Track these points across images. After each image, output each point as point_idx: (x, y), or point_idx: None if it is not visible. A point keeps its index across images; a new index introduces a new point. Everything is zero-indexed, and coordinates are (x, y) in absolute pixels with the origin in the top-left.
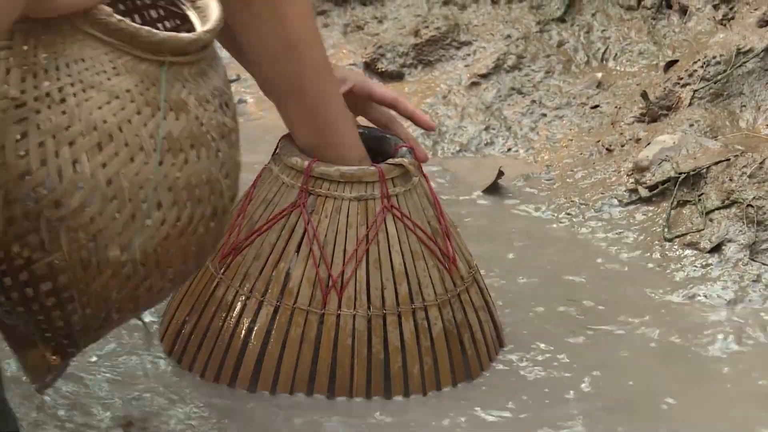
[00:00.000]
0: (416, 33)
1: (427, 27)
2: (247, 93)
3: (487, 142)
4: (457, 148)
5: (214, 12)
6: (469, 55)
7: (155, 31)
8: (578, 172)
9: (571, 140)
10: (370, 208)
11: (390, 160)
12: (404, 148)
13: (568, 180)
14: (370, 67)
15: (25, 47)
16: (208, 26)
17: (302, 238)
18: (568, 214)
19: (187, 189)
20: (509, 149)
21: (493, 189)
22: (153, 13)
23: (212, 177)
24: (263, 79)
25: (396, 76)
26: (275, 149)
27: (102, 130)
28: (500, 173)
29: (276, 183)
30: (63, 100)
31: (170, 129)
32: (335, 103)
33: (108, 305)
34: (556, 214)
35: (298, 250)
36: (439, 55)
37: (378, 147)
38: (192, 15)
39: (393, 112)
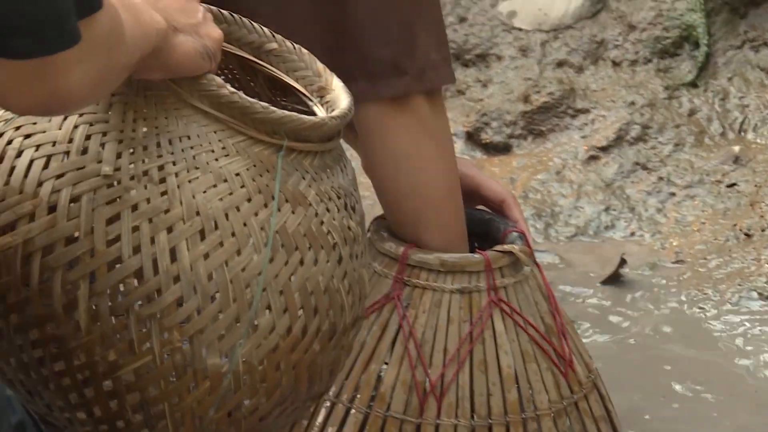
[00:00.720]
0: (526, 99)
1: (538, 92)
2: None
3: (607, 225)
4: (573, 232)
5: (344, 101)
6: (586, 124)
7: (272, 108)
8: (712, 260)
9: (704, 223)
10: (474, 302)
11: (498, 247)
12: (514, 233)
13: (700, 269)
14: (472, 137)
15: (124, 121)
16: (335, 113)
17: (396, 336)
18: (701, 308)
19: (302, 295)
20: (632, 233)
21: (615, 279)
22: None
23: (332, 287)
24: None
25: (502, 149)
26: (366, 232)
27: (206, 215)
28: (622, 261)
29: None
30: (163, 180)
31: (285, 222)
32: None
33: (203, 427)
34: (686, 308)
35: (391, 350)
36: (552, 124)
37: (484, 231)
38: (319, 111)
39: (504, 191)
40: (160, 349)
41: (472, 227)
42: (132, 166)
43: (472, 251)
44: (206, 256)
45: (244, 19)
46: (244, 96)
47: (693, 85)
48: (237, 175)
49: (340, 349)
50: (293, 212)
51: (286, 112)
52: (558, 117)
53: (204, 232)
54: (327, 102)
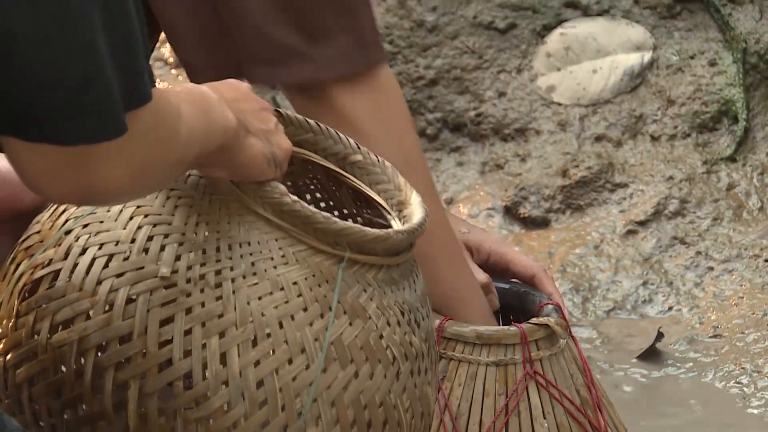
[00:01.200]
0: (564, 173)
1: (576, 166)
2: None
3: (644, 299)
4: (611, 306)
5: (417, 216)
6: (624, 199)
7: (335, 218)
8: (750, 335)
9: (742, 298)
10: (510, 375)
11: (533, 320)
12: (550, 306)
13: (738, 344)
14: (511, 211)
15: (186, 223)
16: (402, 228)
17: None
18: (738, 383)
19: (355, 408)
20: (670, 308)
21: (651, 354)
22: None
23: (388, 402)
24: None
25: (541, 223)
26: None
27: (259, 323)
28: (659, 336)
29: None
30: (219, 285)
31: (341, 334)
32: (466, 284)
33: None
34: (724, 384)
35: None
36: (591, 198)
37: (519, 304)
38: (396, 224)
39: (534, 265)
40: None
41: (507, 300)
42: (190, 269)
43: (507, 324)
44: (257, 363)
45: (330, 129)
46: (306, 205)
47: (731, 159)
48: (295, 284)
49: None
50: (351, 324)
51: (349, 224)
52: (596, 191)
53: (257, 339)
54: (404, 216)
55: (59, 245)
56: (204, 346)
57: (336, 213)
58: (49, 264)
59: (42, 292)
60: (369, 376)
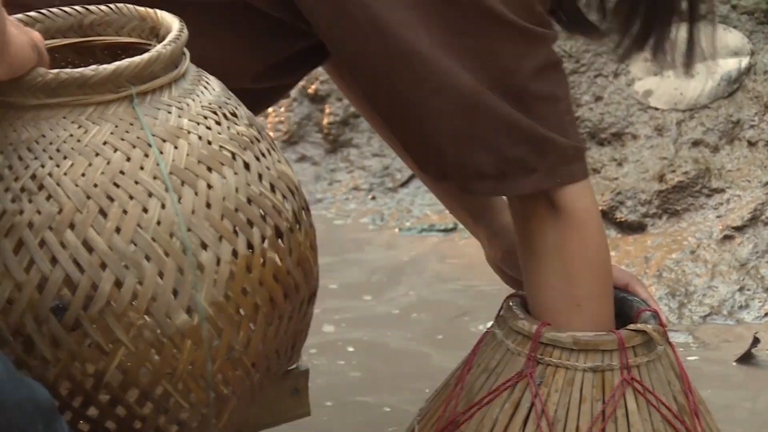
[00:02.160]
0: (661, 178)
1: (673, 171)
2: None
3: (741, 304)
4: (707, 311)
5: (174, 27)
6: (721, 204)
7: (103, 66)
8: None
9: None
10: (607, 381)
11: (631, 326)
12: (647, 313)
13: None
14: (607, 216)
15: None
16: (165, 41)
17: (528, 414)
18: None
19: (228, 215)
20: (766, 314)
21: (747, 359)
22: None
23: (253, 193)
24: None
25: (637, 228)
26: (499, 310)
27: (96, 195)
28: (755, 341)
29: (499, 349)
30: (41, 187)
31: (173, 161)
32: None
33: (212, 383)
34: None
35: (523, 428)
36: (687, 203)
37: (617, 310)
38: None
39: (627, 274)
40: (126, 336)
41: None
42: (8, 190)
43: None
44: (117, 230)
45: (52, 9)
46: (70, 70)
47: None
48: (105, 143)
49: (299, 246)
50: (176, 147)
51: (117, 63)
52: (693, 196)
53: (103, 209)
54: (164, 36)
55: None
56: (63, 245)
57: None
58: None
59: None
60: (222, 181)
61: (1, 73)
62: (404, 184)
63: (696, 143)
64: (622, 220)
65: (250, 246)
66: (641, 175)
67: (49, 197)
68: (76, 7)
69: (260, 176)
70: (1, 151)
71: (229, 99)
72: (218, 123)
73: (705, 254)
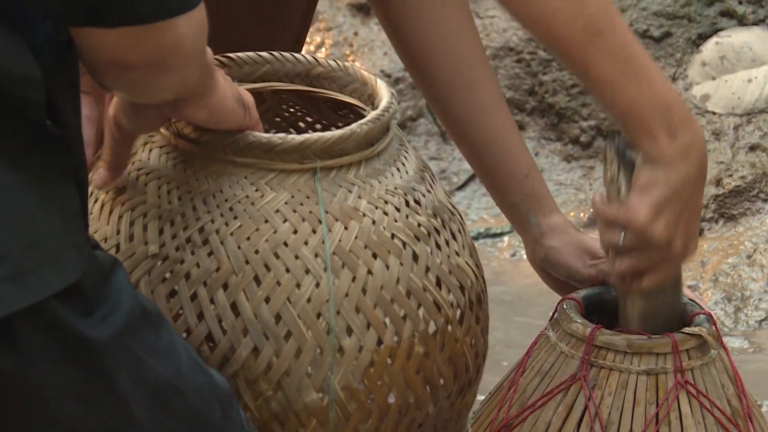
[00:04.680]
0: (718, 182)
1: (730, 176)
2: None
3: None
4: (763, 316)
5: (383, 102)
6: None
7: (292, 135)
8: None
9: None
10: (660, 384)
11: (685, 329)
12: (701, 316)
13: None
14: None
15: (159, 196)
16: (364, 119)
17: (582, 417)
18: None
19: (381, 304)
20: None
21: None
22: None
23: (414, 286)
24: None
25: None
26: (553, 313)
27: (255, 261)
28: None
29: (553, 352)
30: (206, 242)
31: (339, 241)
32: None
33: None
34: None
35: (577, 430)
36: (744, 208)
37: None
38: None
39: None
40: (254, 403)
41: None
42: (175, 237)
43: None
44: (267, 300)
45: (284, 53)
46: (258, 134)
47: None
48: (277, 211)
49: (455, 342)
50: (346, 228)
51: (307, 135)
52: (750, 201)
53: (258, 277)
54: (377, 107)
55: None
56: (212, 302)
57: (329, 129)
58: None
59: None
60: (384, 270)
61: (202, 116)
62: (461, 187)
63: (753, 148)
64: None
65: (398, 337)
66: None
67: (210, 253)
68: (307, 56)
69: (427, 269)
70: (179, 195)
71: (417, 185)
72: (397, 209)
73: (761, 259)
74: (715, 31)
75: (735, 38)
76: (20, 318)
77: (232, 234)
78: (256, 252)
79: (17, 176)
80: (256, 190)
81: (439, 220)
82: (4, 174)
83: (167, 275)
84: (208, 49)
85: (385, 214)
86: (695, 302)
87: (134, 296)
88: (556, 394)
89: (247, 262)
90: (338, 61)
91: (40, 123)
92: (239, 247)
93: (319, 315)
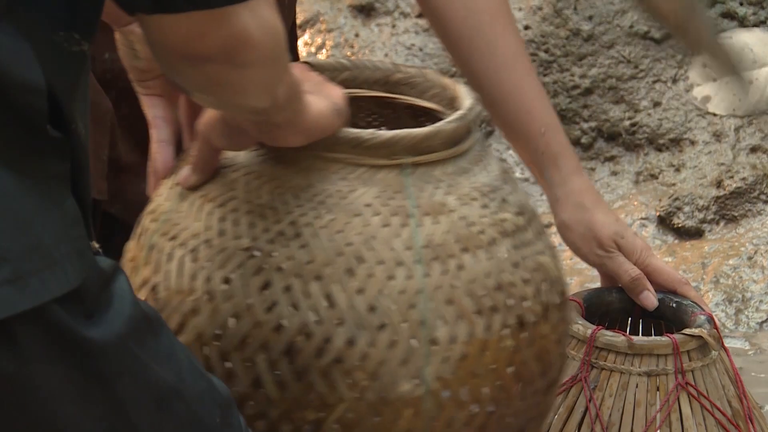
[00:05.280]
0: (719, 184)
1: (731, 177)
2: None
3: None
4: (764, 318)
5: (467, 102)
6: None
7: (381, 131)
8: None
9: None
10: (661, 385)
11: (686, 331)
12: (702, 317)
13: None
14: (664, 221)
15: (248, 191)
16: (450, 117)
17: (583, 418)
18: None
19: (472, 298)
20: None
21: None
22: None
23: (504, 280)
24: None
25: (694, 233)
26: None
27: (348, 253)
28: None
29: None
30: (298, 235)
31: (431, 234)
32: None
33: None
34: None
35: None
36: (745, 209)
37: (671, 314)
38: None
39: (680, 277)
40: (350, 393)
41: (659, 310)
42: (267, 231)
43: (660, 334)
44: (360, 291)
45: (362, 60)
46: (347, 130)
47: None
48: (368, 205)
49: (543, 339)
50: (436, 223)
51: (396, 132)
52: (751, 202)
53: (352, 269)
54: (458, 110)
55: (149, 262)
56: (306, 294)
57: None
58: (145, 283)
59: None
60: (474, 263)
61: (300, 140)
62: None
63: (754, 149)
64: (680, 225)
65: (489, 330)
66: (699, 181)
67: (302, 246)
68: (387, 63)
69: (515, 265)
70: (269, 190)
71: (503, 184)
72: (485, 207)
73: (762, 260)
74: (716, 33)
75: (736, 40)
76: (20, 321)
77: (323, 227)
78: (349, 245)
79: (19, 181)
80: (347, 185)
81: (523, 219)
82: (5, 179)
83: (260, 268)
84: (298, 72)
85: (473, 210)
86: (697, 303)
87: (135, 302)
88: (556, 396)
89: (339, 255)
90: (417, 67)
91: (42, 130)
92: (331, 240)
93: (412, 306)
